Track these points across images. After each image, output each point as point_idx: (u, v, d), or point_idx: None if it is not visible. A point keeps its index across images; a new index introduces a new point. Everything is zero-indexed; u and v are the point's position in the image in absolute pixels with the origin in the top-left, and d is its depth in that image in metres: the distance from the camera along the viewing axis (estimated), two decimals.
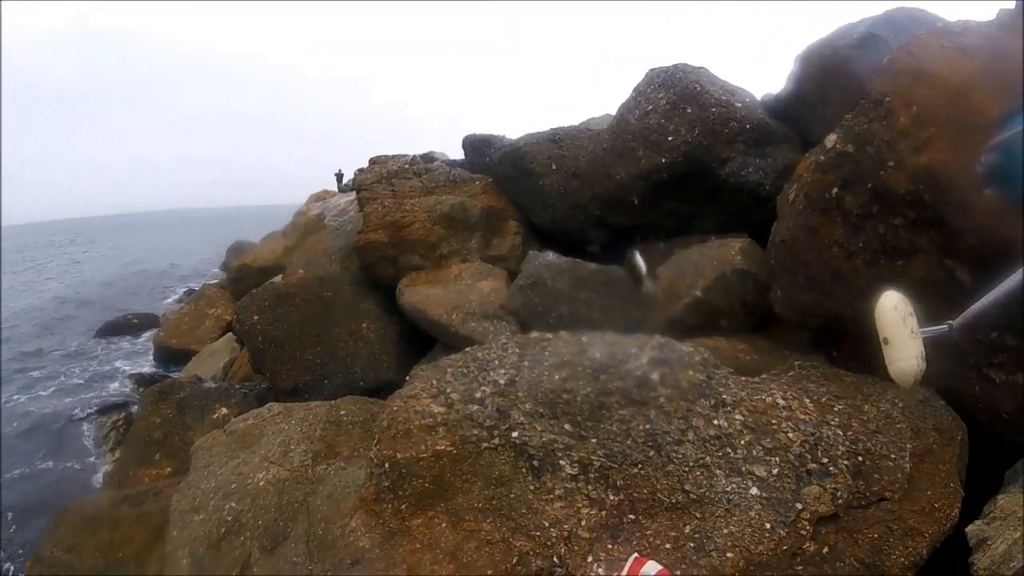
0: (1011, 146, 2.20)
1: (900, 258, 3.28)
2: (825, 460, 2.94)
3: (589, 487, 2.86)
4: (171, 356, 12.26)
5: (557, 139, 6.81)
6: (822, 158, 3.63)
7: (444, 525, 2.83)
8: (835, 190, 3.51)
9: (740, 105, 5.37)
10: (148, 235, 64.92)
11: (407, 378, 3.56)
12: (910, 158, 3.15)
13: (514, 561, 2.66)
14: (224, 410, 6.40)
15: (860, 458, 2.96)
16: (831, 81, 5.01)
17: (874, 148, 3.30)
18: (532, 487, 2.87)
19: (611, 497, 2.82)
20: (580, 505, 2.80)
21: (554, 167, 6.59)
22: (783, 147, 5.27)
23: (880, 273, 3.35)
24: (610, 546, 2.68)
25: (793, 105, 5.56)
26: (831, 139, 3.61)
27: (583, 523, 2.75)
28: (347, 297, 6.81)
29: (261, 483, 3.97)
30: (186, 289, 21.33)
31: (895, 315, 2.57)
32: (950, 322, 2.61)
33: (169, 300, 20.80)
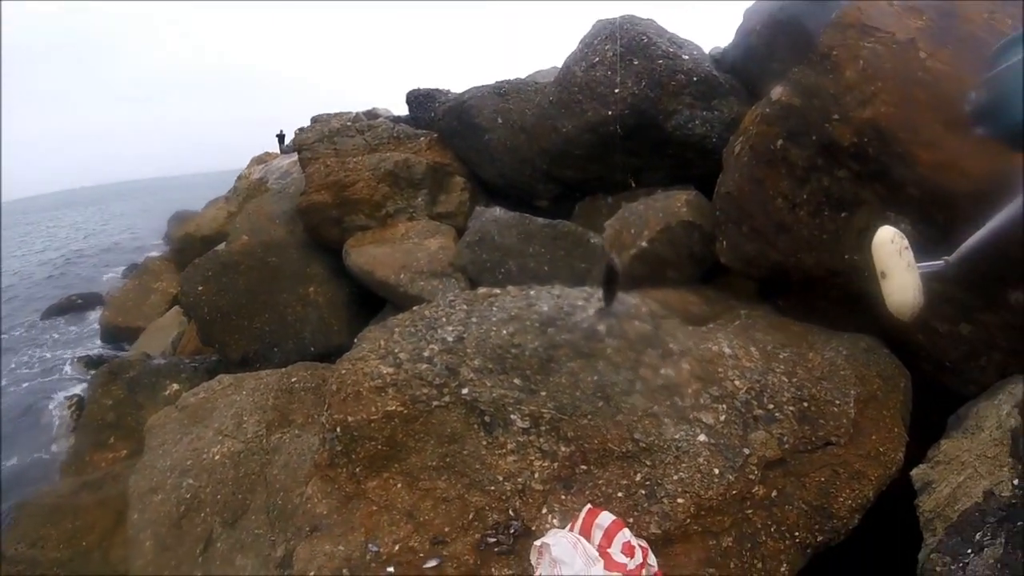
0: (999, 83, 2.21)
1: (844, 210, 3.33)
2: (771, 406, 3.00)
3: (541, 440, 2.86)
4: (119, 334, 11.93)
5: (503, 92, 6.71)
6: (768, 111, 3.64)
7: (399, 486, 2.80)
8: (780, 142, 3.53)
9: (687, 58, 5.36)
10: (88, 211, 62.81)
11: (355, 340, 3.50)
12: (855, 111, 3.18)
13: (471, 517, 2.65)
14: (175, 386, 6.29)
15: (806, 404, 3.03)
16: (779, 35, 5.03)
17: (820, 101, 3.32)
18: (484, 443, 2.86)
19: (563, 449, 2.83)
20: (533, 458, 2.81)
21: (500, 121, 6.51)
22: (730, 100, 5.28)
23: (824, 224, 3.40)
24: (564, 497, 2.69)
25: (741, 58, 5.58)
26: (777, 91, 3.61)
27: (536, 475, 2.75)
28: (293, 261, 6.68)
29: (216, 457, 3.93)
30: (129, 264, 20.69)
31: (891, 248, 2.55)
32: (946, 258, 2.62)
33: (113, 276, 20.19)
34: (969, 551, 2.39)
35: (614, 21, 5.68)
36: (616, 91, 5.23)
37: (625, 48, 5.37)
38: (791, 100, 3.50)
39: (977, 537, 2.40)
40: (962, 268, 2.69)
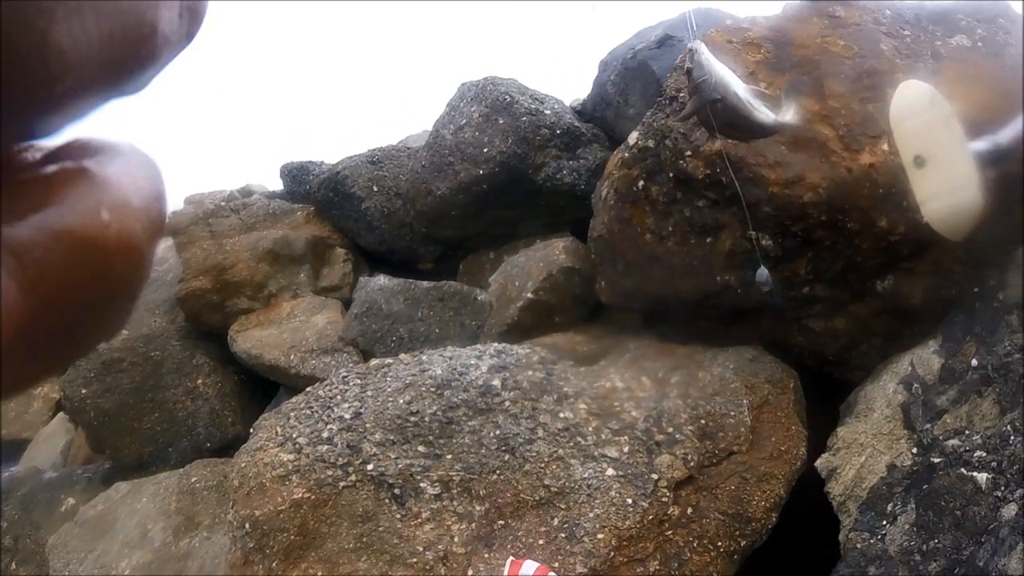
0: None
1: (708, 235, 3.54)
2: (671, 429, 3.13)
3: (454, 503, 2.86)
4: (4, 448, 10.90)
5: (376, 160, 6.75)
6: (627, 155, 3.84)
7: (320, 574, 2.72)
8: (641, 183, 3.72)
9: (549, 112, 5.60)
10: None
11: (251, 430, 3.40)
12: (705, 146, 3.37)
13: None
14: (71, 500, 5.74)
15: (703, 421, 3.18)
16: (631, 82, 5.36)
17: (672, 141, 3.52)
18: (399, 516, 2.83)
19: (477, 508, 2.84)
20: (449, 523, 2.80)
21: (375, 188, 6.54)
22: (593, 147, 5.55)
23: (692, 251, 3.60)
24: (487, 555, 2.70)
25: (599, 107, 5.88)
26: (633, 136, 3.82)
27: (456, 539, 2.74)
28: (176, 353, 6.30)
29: (127, 571, 3.72)
30: None
31: (932, 116, 1.82)
32: (993, 138, 2.01)
33: None
34: (884, 523, 2.56)
35: (477, 83, 5.88)
36: (486, 150, 5.40)
37: (490, 108, 5.57)
38: (646, 143, 3.70)
39: (889, 508, 2.59)
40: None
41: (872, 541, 2.57)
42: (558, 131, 5.47)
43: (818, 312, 3.51)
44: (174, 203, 8.39)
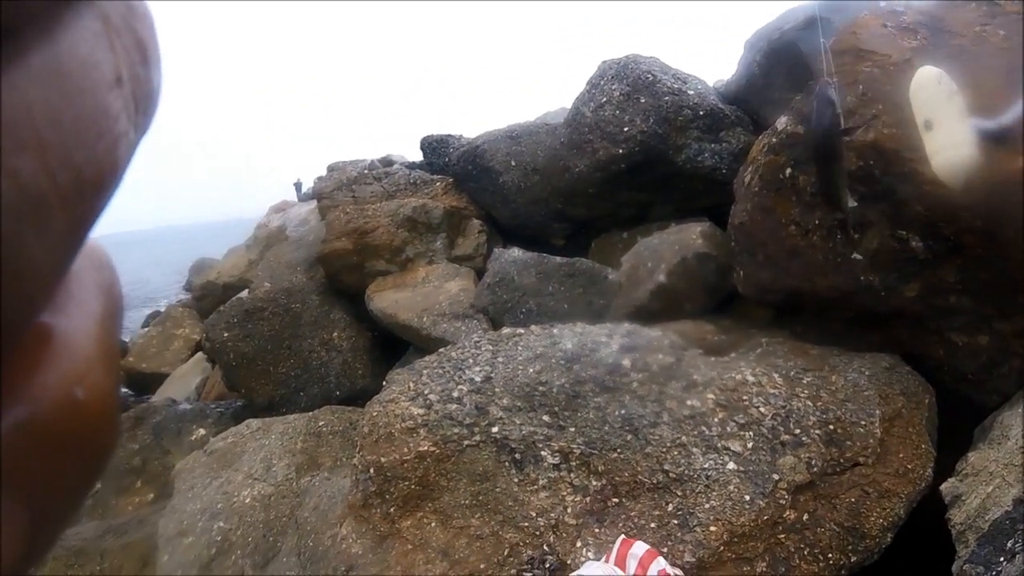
0: None
1: (855, 232, 3.38)
2: (797, 431, 3.03)
3: (572, 475, 2.92)
4: (142, 381, 11.98)
5: (514, 136, 6.86)
6: (774, 140, 3.72)
7: (433, 524, 2.86)
8: (788, 170, 3.60)
9: (692, 92, 5.49)
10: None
11: (384, 383, 3.58)
12: (858, 136, 3.21)
13: (505, 553, 2.70)
14: (201, 431, 6.30)
15: (831, 427, 3.06)
16: (778, 64, 5.14)
17: None
18: (516, 480, 2.92)
19: (594, 483, 2.88)
20: (564, 493, 2.86)
21: (513, 164, 6.65)
22: (736, 131, 5.39)
23: (836, 248, 3.45)
24: (597, 530, 2.74)
25: (744, 89, 5.68)
26: (782, 121, 3.70)
27: (569, 510, 2.80)
28: (315, 307, 6.75)
29: (247, 500, 4.00)
30: (151, 311, 20.85)
31: (938, 91, 2.28)
32: (998, 119, 2.34)
33: (135, 324, 20.35)
34: (1001, 559, 2.41)
35: (619, 61, 5.83)
36: (626, 129, 5.36)
37: (631, 87, 5.51)
38: (795, 129, 3.57)
39: (1009, 545, 2.42)
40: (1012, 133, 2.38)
41: None
42: (701, 112, 5.36)
43: (961, 325, 3.28)
44: (319, 171, 8.84)
